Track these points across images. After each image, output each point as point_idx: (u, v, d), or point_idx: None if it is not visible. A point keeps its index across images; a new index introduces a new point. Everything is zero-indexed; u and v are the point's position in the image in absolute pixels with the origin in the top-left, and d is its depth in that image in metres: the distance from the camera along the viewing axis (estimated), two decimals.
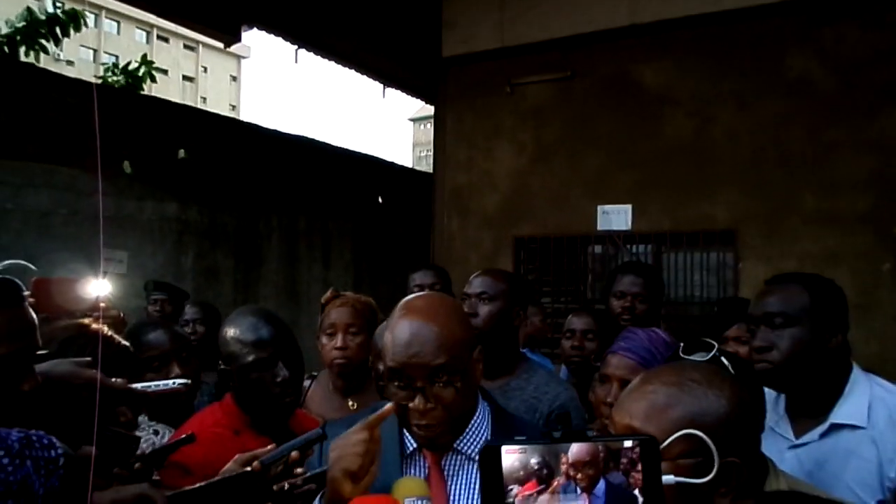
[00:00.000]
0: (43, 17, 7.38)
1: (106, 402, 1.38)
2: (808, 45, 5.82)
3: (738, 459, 1.15)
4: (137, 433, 2.16)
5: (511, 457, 0.96)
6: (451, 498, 1.49)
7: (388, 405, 1.39)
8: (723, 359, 1.66)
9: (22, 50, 7.33)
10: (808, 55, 5.81)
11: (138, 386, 1.58)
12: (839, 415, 1.84)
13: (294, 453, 1.53)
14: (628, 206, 6.44)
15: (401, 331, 1.45)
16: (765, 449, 1.36)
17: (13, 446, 1.13)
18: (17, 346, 1.19)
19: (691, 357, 1.61)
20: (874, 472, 1.76)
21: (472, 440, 1.50)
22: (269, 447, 1.57)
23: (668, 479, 1.02)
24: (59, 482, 1.16)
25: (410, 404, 1.42)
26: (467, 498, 1.48)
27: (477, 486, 1.47)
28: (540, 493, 0.95)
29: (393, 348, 1.44)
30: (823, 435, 1.84)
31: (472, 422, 1.52)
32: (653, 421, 1.17)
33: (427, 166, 9.62)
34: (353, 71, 8.49)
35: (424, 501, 1.25)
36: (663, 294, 3.35)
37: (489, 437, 1.52)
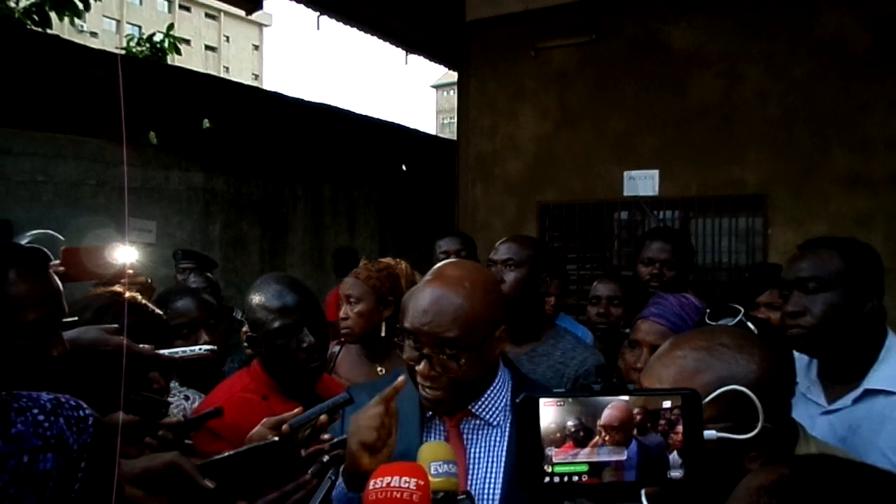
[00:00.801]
0: None
1: (134, 369, 1.40)
2: (841, 2, 5.64)
3: (770, 424, 1.13)
4: (168, 399, 2.21)
5: (548, 416, 0.95)
6: (469, 461, 1.50)
7: (401, 378, 1.40)
8: (749, 324, 1.64)
9: (53, 16, 7.31)
10: (841, 12, 5.63)
11: (166, 352, 1.60)
12: (873, 380, 1.81)
13: (322, 417, 1.55)
14: (655, 171, 6.35)
15: (423, 295, 1.45)
16: (796, 415, 1.34)
17: (45, 405, 1.17)
18: (44, 313, 1.21)
19: (718, 322, 1.59)
20: None
21: (489, 405, 1.51)
22: (296, 410, 1.59)
23: (710, 433, 1.01)
24: (90, 438, 1.19)
25: (417, 367, 1.44)
26: (486, 461, 1.49)
27: (495, 451, 1.49)
28: (576, 455, 0.94)
29: (411, 311, 1.45)
30: (857, 400, 1.81)
31: (492, 387, 1.52)
32: (683, 385, 1.15)
33: (450, 133, 9.56)
34: (375, 37, 8.40)
35: (450, 465, 1.24)
36: (692, 260, 3.31)
37: (508, 404, 1.52)
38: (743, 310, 1.63)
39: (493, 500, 1.46)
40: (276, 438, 1.47)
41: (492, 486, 1.47)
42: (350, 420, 1.40)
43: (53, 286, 1.25)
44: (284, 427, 1.52)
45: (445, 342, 1.41)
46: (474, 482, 1.48)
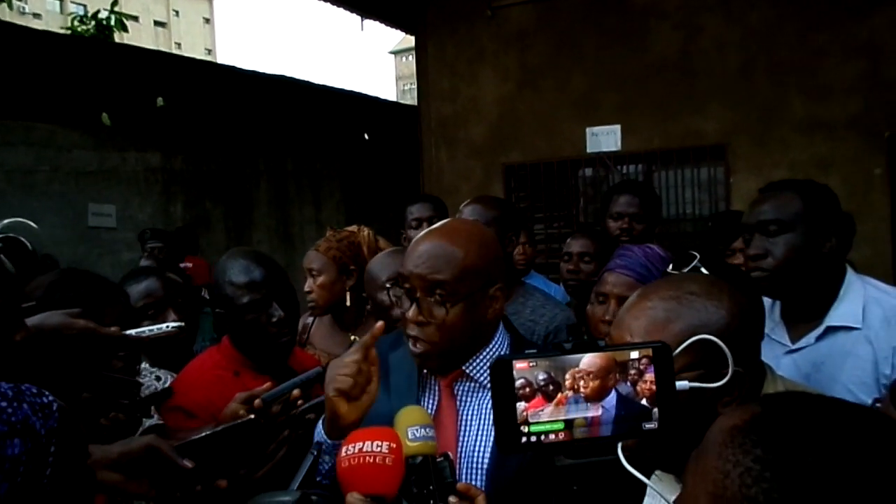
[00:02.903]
0: None
1: (100, 350, 1.37)
2: None
3: (741, 368, 1.15)
4: (139, 379, 2.18)
5: (518, 374, 0.95)
6: (460, 424, 1.49)
7: (379, 323, 1.40)
8: (702, 269, 1.66)
9: None
10: None
11: (132, 332, 1.57)
12: (834, 317, 1.85)
13: (295, 391, 1.54)
14: (617, 127, 6.37)
15: (418, 242, 1.48)
16: (762, 356, 1.36)
17: (7, 392, 1.14)
18: (1, 298, 1.18)
19: (683, 271, 1.61)
20: (870, 371, 1.79)
21: (483, 367, 1.49)
22: (266, 385, 1.58)
23: (682, 384, 1.02)
24: (56, 423, 1.17)
25: (407, 314, 1.45)
26: (478, 424, 1.49)
27: (487, 413, 1.47)
28: (544, 410, 0.94)
29: (407, 258, 1.48)
30: (819, 338, 1.86)
31: (487, 348, 1.50)
32: (653, 336, 1.16)
33: (411, 100, 9.47)
34: (329, 3, 8.24)
35: (427, 429, 1.24)
36: (660, 212, 3.34)
37: None
38: (698, 255, 1.65)
39: (482, 464, 1.45)
40: (252, 416, 1.46)
41: (482, 449, 1.46)
42: (329, 367, 1.40)
43: (7, 271, 1.21)
44: (257, 402, 1.51)
45: (435, 284, 1.41)
46: (464, 445, 1.48)
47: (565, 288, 3.37)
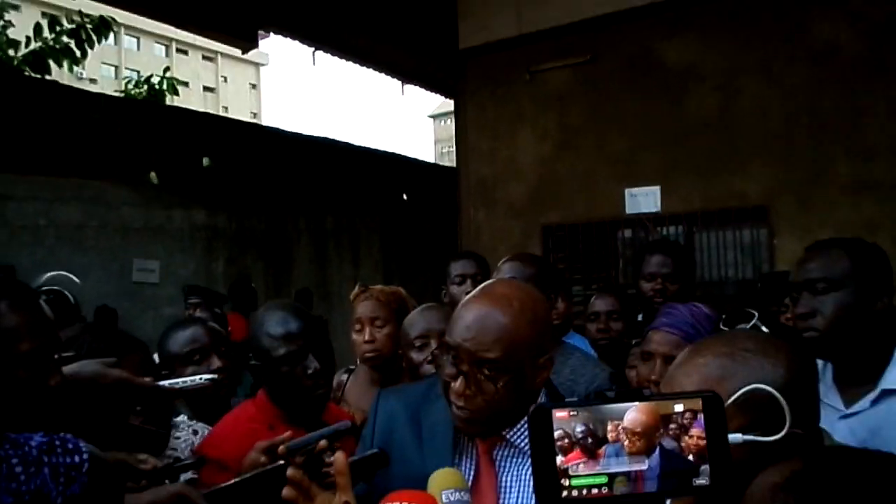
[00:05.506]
0: (67, 27, 7.39)
1: (134, 401, 1.37)
2: (834, 8, 5.67)
3: (798, 430, 1.09)
4: (176, 433, 2.18)
5: (557, 424, 0.91)
6: (501, 490, 1.45)
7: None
8: (763, 328, 1.61)
9: (51, 62, 7.36)
10: (834, 19, 5.66)
11: (165, 383, 1.57)
12: (890, 380, 1.77)
13: (322, 442, 1.50)
14: (657, 188, 6.34)
15: (467, 310, 1.42)
16: None
17: (30, 453, 1.11)
18: (38, 342, 1.19)
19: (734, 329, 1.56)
20: None
21: (525, 433, 1.44)
22: (287, 434, 1.55)
23: (735, 437, 0.97)
24: (80, 489, 1.14)
25: (453, 384, 1.40)
26: (517, 491, 1.44)
27: (527, 480, 1.43)
28: (584, 463, 0.90)
29: (453, 325, 1.42)
30: (875, 402, 1.78)
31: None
32: None
33: (449, 162, 9.59)
34: (370, 69, 8.49)
35: (463, 493, 1.20)
36: (694, 271, 3.29)
37: None
38: (757, 314, 1.60)
39: None
40: (282, 462, 1.43)
41: None
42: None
43: (46, 316, 1.23)
44: (281, 449, 1.48)
45: (485, 362, 1.37)
46: None
47: (594, 348, 3.31)
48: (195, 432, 2.24)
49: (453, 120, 8.05)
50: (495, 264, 2.77)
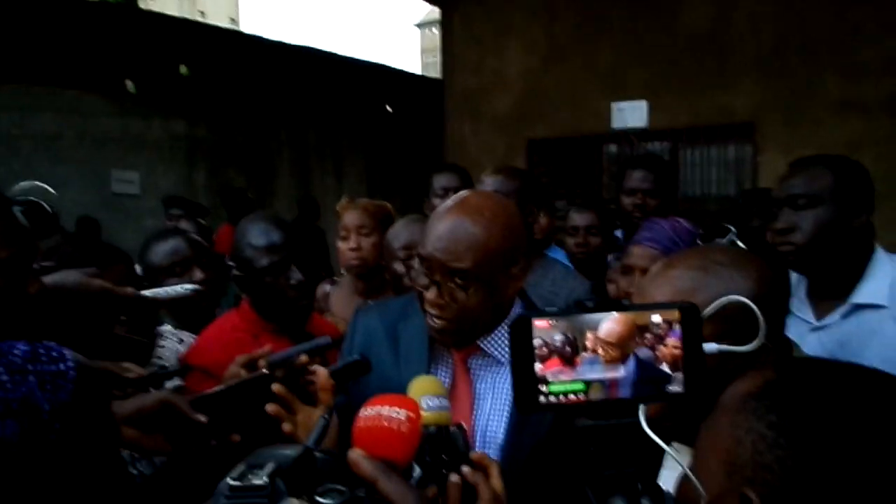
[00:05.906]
0: None
1: (118, 311, 1.38)
2: None
3: (767, 342, 1.12)
4: (161, 342, 2.20)
5: (536, 333, 0.93)
6: (475, 398, 1.48)
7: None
8: (739, 243, 1.62)
9: None
10: None
11: (148, 293, 1.57)
12: (861, 295, 1.81)
13: (302, 357, 1.51)
14: (644, 102, 6.27)
15: (439, 221, 1.42)
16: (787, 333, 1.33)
17: (14, 361, 1.09)
18: (13, 250, 1.18)
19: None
20: None
21: (500, 343, 1.47)
22: (267, 347, 1.56)
23: (710, 346, 0.99)
24: (68, 397, 1.13)
25: (426, 293, 1.41)
26: (492, 399, 1.47)
27: (502, 389, 1.46)
28: (562, 371, 0.92)
29: (427, 237, 1.42)
30: (845, 316, 1.82)
31: (504, 323, 1.47)
32: None
33: (435, 73, 9.40)
34: None
35: (442, 400, 1.23)
36: (676, 187, 3.29)
37: None
38: (734, 229, 1.61)
39: (496, 438, 1.44)
40: (266, 371, 1.45)
41: (496, 424, 1.45)
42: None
43: (20, 224, 1.21)
44: (261, 363, 1.49)
45: (456, 272, 1.38)
46: (478, 420, 1.46)
47: (571, 262, 3.34)
48: (180, 341, 2.26)
49: (440, 29, 7.83)
50: (479, 178, 2.76)
